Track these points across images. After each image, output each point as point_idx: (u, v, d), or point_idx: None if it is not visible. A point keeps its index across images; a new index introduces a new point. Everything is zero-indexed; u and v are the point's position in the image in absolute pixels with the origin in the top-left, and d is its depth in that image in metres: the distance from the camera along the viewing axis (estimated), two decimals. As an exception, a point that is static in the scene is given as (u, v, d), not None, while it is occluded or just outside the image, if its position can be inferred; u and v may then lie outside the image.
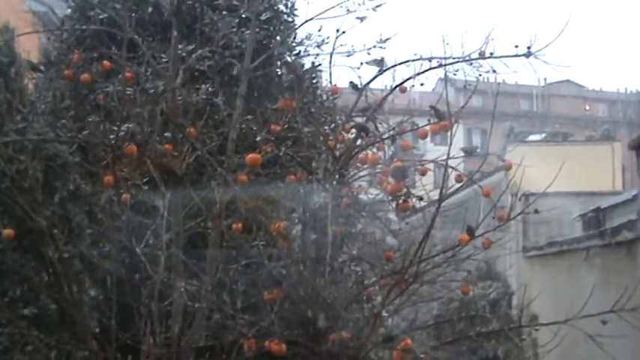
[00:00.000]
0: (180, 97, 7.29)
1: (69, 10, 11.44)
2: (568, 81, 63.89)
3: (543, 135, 30.94)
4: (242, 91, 7.37)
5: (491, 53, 6.84)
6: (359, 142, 6.89)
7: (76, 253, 8.38)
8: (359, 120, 6.98)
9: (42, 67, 10.76)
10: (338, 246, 6.97)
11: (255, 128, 7.06)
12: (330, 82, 7.32)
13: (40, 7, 18.26)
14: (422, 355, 6.43)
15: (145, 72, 7.48)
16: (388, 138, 6.92)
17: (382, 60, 6.94)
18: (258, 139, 6.99)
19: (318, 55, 10.73)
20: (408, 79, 6.98)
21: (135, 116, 6.87)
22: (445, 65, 6.93)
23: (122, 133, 6.50)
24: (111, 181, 6.63)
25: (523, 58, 6.75)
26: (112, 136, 6.52)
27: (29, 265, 7.98)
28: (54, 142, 8.31)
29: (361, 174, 7.40)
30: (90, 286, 8.41)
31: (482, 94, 7.73)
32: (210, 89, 7.95)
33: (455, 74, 7.07)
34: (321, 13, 8.14)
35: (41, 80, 10.66)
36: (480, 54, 6.90)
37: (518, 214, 6.77)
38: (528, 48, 6.71)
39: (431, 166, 7.02)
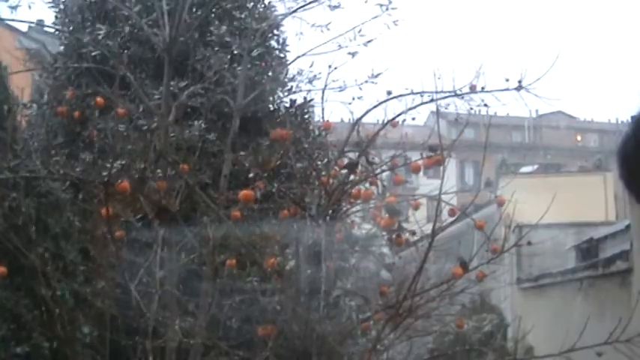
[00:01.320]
0: (172, 134, 7.37)
1: (61, 48, 11.43)
2: (559, 112, 64.11)
3: (535, 166, 31.02)
4: (234, 128, 7.43)
5: (482, 87, 7.04)
6: (351, 177, 6.91)
7: (69, 291, 8.26)
8: (351, 155, 7.04)
9: (35, 105, 10.76)
10: (332, 281, 6.95)
11: (247, 164, 7.11)
12: (323, 117, 7.41)
13: (33, 45, 18.33)
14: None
15: (138, 109, 7.57)
16: (381, 173, 7.01)
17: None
18: (251, 175, 7.04)
19: (310, 90, 10.74)
20: (400, 114, 7.20)
21: (128, 153, 6.91)
22: (437, 100, 7.06)
23: (115, 170, 6.54)
24: (104, 217, 6.57)
25: (514, 91, 6.86)
26: (104, 173, 6.52)
27: (22, 302, 7.88)
28: (47, 179, 8.29)
29: (354, 209, 7.46)
30: (83, 323, 8.24)
31: (474, 126, 7.77)
32: (202, 126, 8.05)
33: (446, 108, 7.28)
34: (312, 49, 8.27)
35: (34, 117, 10.64)
36: (471, 88, 7.05)
37: (512, 246, 6.88)
38: (519, 82, 6.79)
39: (424, 200, 7.19)
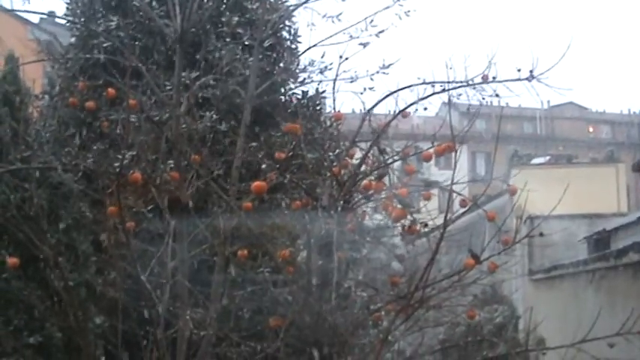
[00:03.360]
0: (184, 125, 7.28)
1: (73, 39, 11.46)
2: (571, 103, 63.81)
3: (547, 158, 30.83)
4: (246, 119, 7.37)
5: (494, 77, 6.88)
6: (363, 168, 6.91)
7: (81, 281, 8.35)
8: (362, 146, 7.06)
9: (47, 96, 10.76)
10: (343, 272, 6.97)
11: (259, 155, 7.13)
12: (334, 108, 7.36)
13: (45, 36, 18.35)
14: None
15: (149, 100, 7.54)
16: (392, 162, 6.91)
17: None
18: (264, 166, 7.11)
19: (321, 81, 10.76)
20: (411, 104, 7.02)
21: (139, 144, 6.87)
22: (448, 90, 6.96)
23: (126, 161, 6.51)
24: (116, 209, 6.56)
25: (526, 81, 6.76)
26: (116, 164, 6.51)
27: (34, 293, 7.90)
28: (59, 171, 8.26)
29: (365, 200, 7.34)
30: (95, 314, 8.35)
31: (486, 117, 7.76)
32: (214, 117, 8.06)
33: (458, 98, 7.12)
34: (324, 40, 8.18)
35: (46, 108, 10.63)
36: (482, 78, 6.92)
37: (524, 237, 6.76)
38: (531, 72, 6.71)
39: (435, 190, 7.14)
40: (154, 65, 9.66)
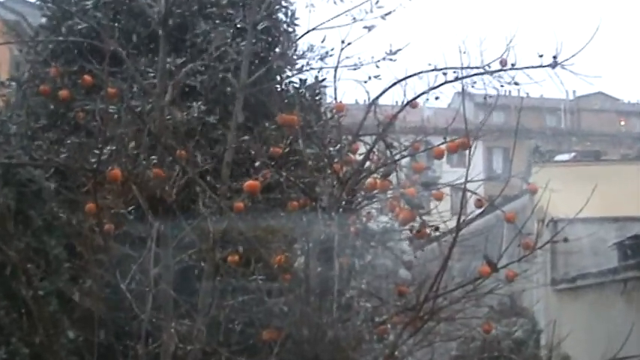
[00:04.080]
0: (169, 116, 7.27)
1: (44, 19, 11.41)
2: (600, 93, 63.74)
3: (572, 154, 30.82)
4: (238, 109, 7.36)
5: (513, 64, 6.89)
6: (367, 164, 6.93)
7: (52, 291, 8.28)
8: (367, 140, 7.09)
9: (14, 83, 10.72)
10: (345, 280, 7.00)
11: (253, 151, 7.07)
12: (335, 98, 7.36)
13: (12, 16, 18.34)
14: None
15: (130, 88, 7.52)
16: (400, 159, 6.93)
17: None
18: (257, 163, 7.01)
19: (321, 68, 10.66)
20: (421, 94, 7.02)
21: (119, 137, 6.84)
22: (462, 78, 6.98)
23: (105, 156, 6.48)
24: (92, 209, 6.56)
25: (549, 68, 6.75)
26: (93, 160, 6.49)
27: None
28: (28, 167, 8.26)
29: (370, 200, 7.46)
30: (68, 327, 8.28)
31: (504, 109, 7.85)
32: (202, 107, 8.00)
33: (473, 86, 7.12)
34: (324, 23, 8.13)
35: (13, 97, 10.66)
36: (500, 64, 6.93)
37: (546, 242, 6.72)
38: (554, 57, 6.70)
39: (448, 190, 7.05)
40: (135, 50, 9.63)
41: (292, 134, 6.99)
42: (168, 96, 7.25)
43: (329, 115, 10.43)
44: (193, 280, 7.44)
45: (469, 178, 6.30)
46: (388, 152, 6.88)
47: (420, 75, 7.00)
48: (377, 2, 8.37)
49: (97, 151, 6.45)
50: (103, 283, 6.93)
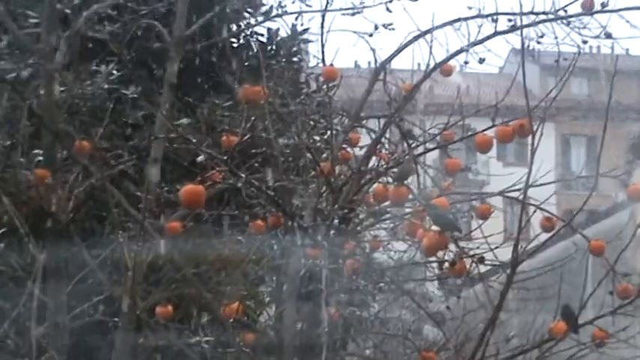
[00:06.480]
0: (62, 88, 6.46)
1: None
2: None
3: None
4: (171, 77, 6.54)
5: (603, 4, 5.91)
6: (373, 162, 6.08)
7: None
8: (372, 125, 6.18)
9: None
10: (340, 341, 6.54)
11: (194, 141, 5.77)
12: (323, 59, 6.18)
13: None
14: None
15: (-1, 42, 6.86)
16: (424, 153, 5.90)
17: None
18: (201, 158, 5.68)
19: (301, 12, 9.14)
20: (456, 53, 6.10)
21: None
22: (522, 27, 5.83)
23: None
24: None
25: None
26: None
27: None
28: None
29: (376, 218, 6.43)
30: None
31: (588, 75, 6.84)
32: (115, 72, 7.30)
33: (539, 42, 6.25)
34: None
35: None
36: (582, 7, 5.93)
37: (659, 287, 5.77)
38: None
39: (498, 202, 6.15)
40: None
41: (257, 115, 5.83)
42: (60, 56, 6.25)
43: (313, 86, 9.47)
44: (101, 342, 6.67)
45: (532, 183, 5.04)
46: (405, 143, 5.75)
47: (457, 24, 6.05)
48: None
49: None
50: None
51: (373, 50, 6.36)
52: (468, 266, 5.40)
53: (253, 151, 6.06)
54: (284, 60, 9.58)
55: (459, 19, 6.01)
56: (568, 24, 6.01)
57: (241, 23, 9.51)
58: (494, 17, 5.97)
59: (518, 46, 5.79)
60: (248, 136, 5.82)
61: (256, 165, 6.00)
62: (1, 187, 6.01)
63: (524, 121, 5.22)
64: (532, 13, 5.93)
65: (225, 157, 5.56)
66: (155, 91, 6.99)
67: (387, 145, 6.22)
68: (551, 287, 6.05)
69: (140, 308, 5.89)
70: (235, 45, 9.44)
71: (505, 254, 5.28)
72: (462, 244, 5.37)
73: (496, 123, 5.41)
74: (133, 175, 6.92)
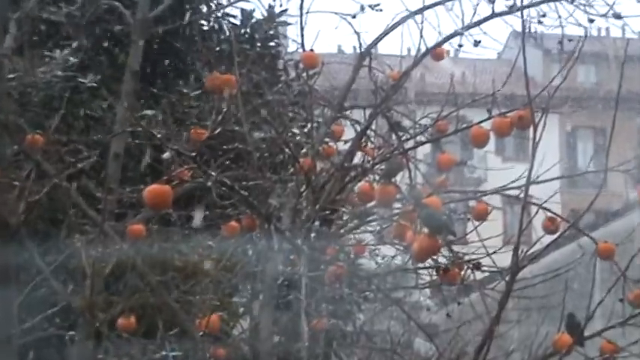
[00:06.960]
0: (12, 75, 6.38)
1: None
2: None
3: None
4: (134, 64, 6.48)
5: None
6: (358, 157, 5.92)
7: None
8: (357, 116, 6.12)
9: None
10: (322, 358, 6.51)
11: (159, 135, 5.55)
12: (302, 44, 6.13)
13: None
14: None
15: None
16: (415, 147, 5.79)
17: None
18: (166, 155, 5.42)
19: None
20: (450, 36, 6.16)
21: None
22: (522, 8, 5.85)
23: None
24: None
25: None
26: None
27: None
28: None
29: (361, 219, 6.34)
30: None
31: (596, 60, 6.99)
32: (71, 59, 7.13)
33: (541, 22, 6.16)
34: None
35: None
36: None
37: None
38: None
39: (497, 201, 6.04)
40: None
41: (228, 106, 5.62)
42: (9, 40, 6.12)
43: (292, 73, 9.20)
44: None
45: (534, 180, 5.15)
46: (394, 136, 5.75)
47: (450, 3, 6.16)
48: None
49: None
50: None
51: (358, 34, 6.27)
52: (463, 273, 5.37)
53: (225, 146, 5.85)
54: (259, 45, 9.48)
55: (450, -1, 5.52)
56: (572, 1, 5.92)
57: (212, 4, 9.37)
58: (492, -4, 5.76)
59: (519, 28, 5.72)
60: (219, 129, 5.64)
61: (228, 162, 5.81)
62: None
63: (524, 111, 5.07)
64: (532, -10, 5.47)
65: (193, 153, 5.41)
66: (116, 80, 6.85)
67: (373, 139, 6.02)
68: (555, 296, 5.80)
69: (100, 320, 5.81)
70: (205, 28, 9.34)
71: (504, 259, 5.22)
72: (456, 248, 5.34)
73: (494, 114, 5.27)
74: (91, 172, 6.77)
